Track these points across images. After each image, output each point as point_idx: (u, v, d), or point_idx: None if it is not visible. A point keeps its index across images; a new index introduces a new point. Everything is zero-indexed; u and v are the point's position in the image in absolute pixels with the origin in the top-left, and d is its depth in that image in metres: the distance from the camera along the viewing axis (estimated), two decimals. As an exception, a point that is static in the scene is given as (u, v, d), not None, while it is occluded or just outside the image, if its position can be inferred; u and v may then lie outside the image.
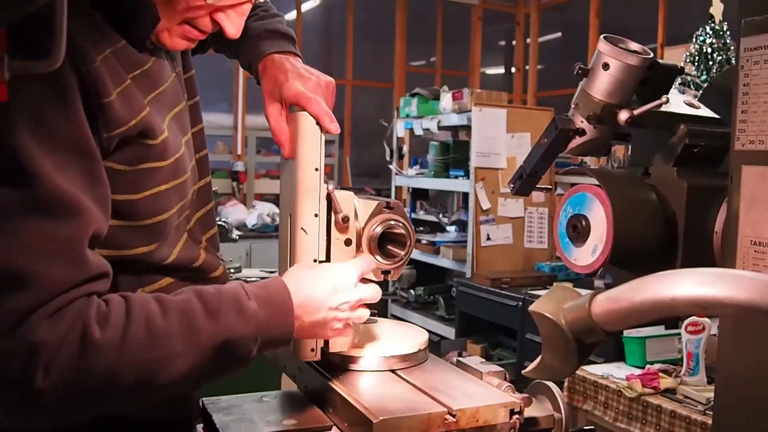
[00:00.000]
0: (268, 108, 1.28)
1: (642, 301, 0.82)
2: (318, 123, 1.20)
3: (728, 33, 4.22)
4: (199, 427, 1.27)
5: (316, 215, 1.20)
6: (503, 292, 4.38)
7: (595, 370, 2.88)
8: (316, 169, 1.19)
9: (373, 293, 1.18)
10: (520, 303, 4.17)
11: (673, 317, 2.81)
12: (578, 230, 1.13)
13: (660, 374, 2.67)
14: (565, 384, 2.89)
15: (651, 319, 0.84)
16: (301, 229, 1.20)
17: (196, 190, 1.25)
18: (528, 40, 8.49)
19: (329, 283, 1.13)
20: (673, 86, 1.22)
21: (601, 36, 1.11)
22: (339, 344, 1.22)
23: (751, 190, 0.99)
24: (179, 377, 0.98)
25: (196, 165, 1.26)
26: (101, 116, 0.99)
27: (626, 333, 2.91)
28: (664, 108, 1.13)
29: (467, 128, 5.05)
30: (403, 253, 1.29)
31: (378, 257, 1.27)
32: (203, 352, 0.99)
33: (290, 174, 1.25)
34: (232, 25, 1.13)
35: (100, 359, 0.92)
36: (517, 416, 1.10)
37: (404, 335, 1.34)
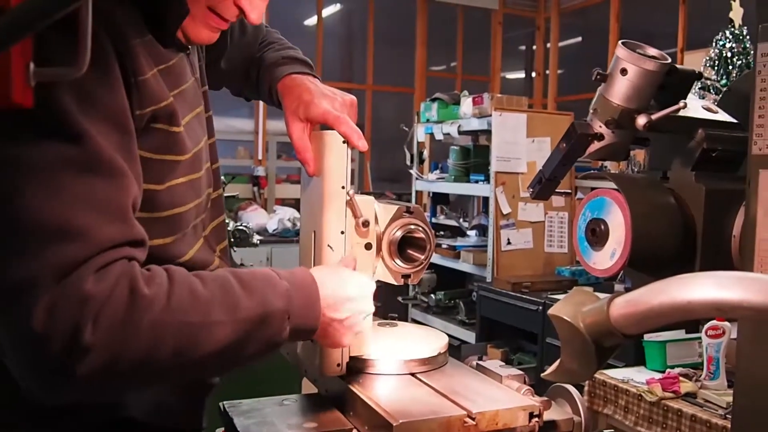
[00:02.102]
0: (291, 126, 1.30)
1: (660, 304, 0.83)
2: (345, 141, 1.22)
3: (748, 37, 4.18)
4: (220, 431, 1.28)
5: (342, 232, 1.22)
6: (524, 296, 4.37)
7: (616, 375, 2.86)
8: (343, 187, 1.21)
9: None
10: (541, 307, 4.16)
11: (693, 320, 2.80)
12: (597, 234, 1.14)
13: (680, 378, 2.65)
14: (586, 388, 2.88)
15: (669, 322, 0.85)
16: (328, 246, 1.22)
17: (210, 198, 1.27)
18: (548, 45, 8.47)
19: (351, 287, 1.14)
20: (692, 91, 1.22)
21: (619, 42, 1.12)
22: (359, 348, 1.23)
23: (770, 194, 0.99)
24: (216, 350, 0.98)
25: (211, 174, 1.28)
26: (136, 93, 1.01)
27: (646, 337, 2.90)
28: (682, 112, 1.13)
29: (487, 133, 5.04)
30: (422, 257, 1.30)
31: (398, 261, 1.28)
32: (241, 323, 0.99)
33: (314, 191, 1.27)
34: (254, 11, 1.14)
35: (147, 315, 0.92)
36: (536, 419, 1.11)
37: (424, 339, 1.35)
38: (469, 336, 5.05)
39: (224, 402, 1.27)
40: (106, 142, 0.94)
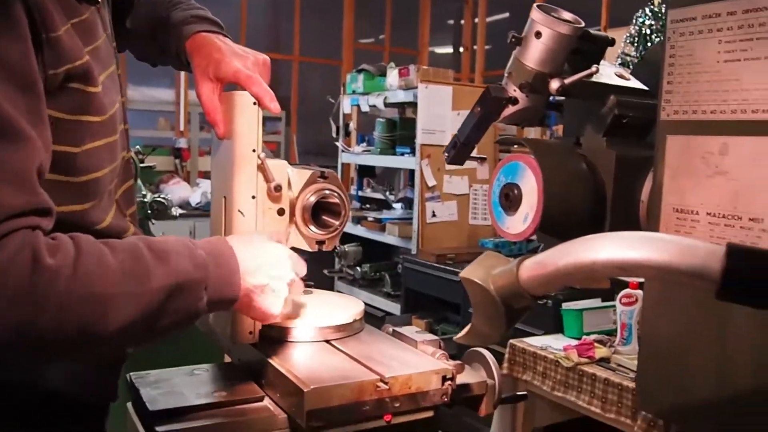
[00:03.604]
0: (200, 86, 1.25)
1: (566, 264, 0.83)
2: (257, 102, 1.18)
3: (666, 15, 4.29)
4: (129, 404, 1.24)
5: (253, 197, 1.18)
6: (448, 268, 4.42)
7: (535, 342, 2.93)
8: (254, 150, 1.17)
9: (303, 269, 1.17)
10: (464, 279, 4.21)
11: (608, 288, 2.88)
12: (510, 199, 1.14)
13: (595, 344, 2.74)
14: (506, 356, 2.94)
15: (576, 283, 0.86)
16: (238, 211, 1.18)
17: (122, 160, 1.22)
18: (476, 20, 8.51)
19: (269, 254, 1.11)
20: (605, 59, 1.23)
21: (534, 4, 1.12)
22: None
23: (675, 159, 1.01)
24: (128, 321, 0.92)
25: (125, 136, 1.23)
26: (48, 51, 0.95)
27: (564, 306, 2.98)
28: (595, 78, 1.14)
29: (414, 105, 5.04)
30: (337, 222, 1.28)
31: (312, 227, 1.26)
32: (154, 294, 0.94)
33: (225, 155, 1.22)
34: None
35: (51, 286, 0.86)
36: (449, 382, 1.11)
37: (339, 306, 1.34)
38: (395, 308, 5.08)
39: (131, 373, 1.22)
40: (10, 105, 0.88)
